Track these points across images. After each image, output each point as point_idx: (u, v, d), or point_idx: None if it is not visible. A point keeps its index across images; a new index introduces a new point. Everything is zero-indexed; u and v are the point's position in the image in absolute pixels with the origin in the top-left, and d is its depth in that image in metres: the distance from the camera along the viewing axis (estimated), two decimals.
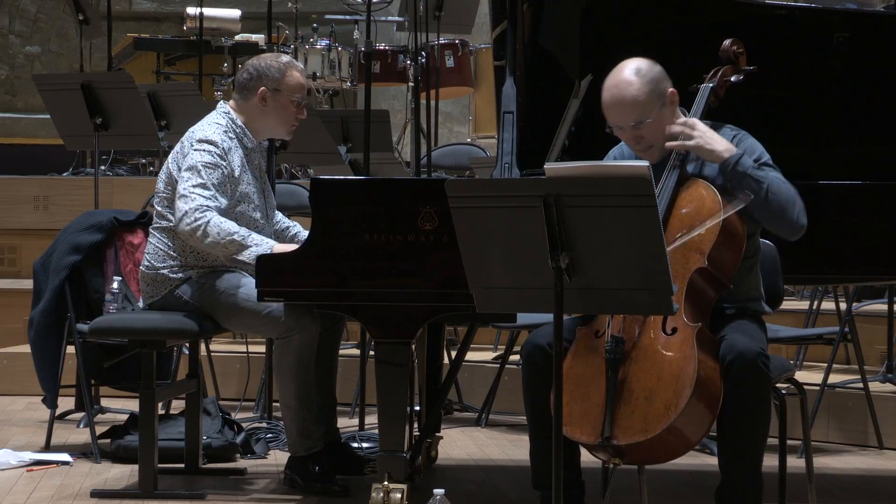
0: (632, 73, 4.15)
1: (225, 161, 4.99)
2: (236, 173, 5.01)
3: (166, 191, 5.06)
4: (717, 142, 4.13)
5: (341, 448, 5.24)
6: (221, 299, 4.97)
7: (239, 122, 5.11)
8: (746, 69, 4.36)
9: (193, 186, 4.90)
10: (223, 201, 4.92)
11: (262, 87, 5.09)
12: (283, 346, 4.92)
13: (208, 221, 4.83)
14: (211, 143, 4.99)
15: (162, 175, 5.11)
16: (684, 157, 4.17)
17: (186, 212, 4.87)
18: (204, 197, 4.88)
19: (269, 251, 4.76)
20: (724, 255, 4.03)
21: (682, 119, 4.18)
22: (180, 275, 5.02)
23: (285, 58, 5.21)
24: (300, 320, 4.85)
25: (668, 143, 4.15)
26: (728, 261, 4.05)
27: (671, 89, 4.19)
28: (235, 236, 4.82)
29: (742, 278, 4.19)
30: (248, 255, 4.80)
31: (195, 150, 4.98)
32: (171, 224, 5.01)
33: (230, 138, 5.06)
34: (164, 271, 5.03)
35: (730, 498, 4.02)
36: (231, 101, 5.17)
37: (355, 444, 5.47)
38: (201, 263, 5.02)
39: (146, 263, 5.09)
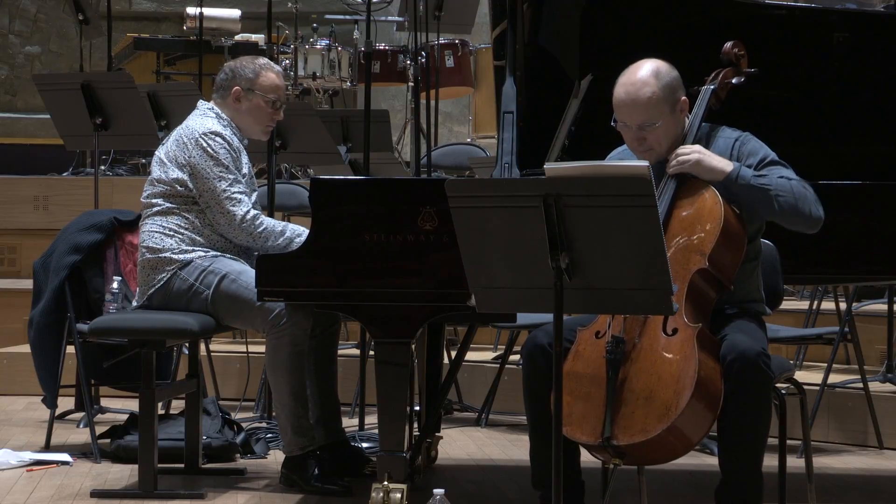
0: (650, 73, 4.11)
1: (235, 153, 5.10)
2: (236, 156, 5.12)
3: (159, 185, 5.11)
4: (714, 160, 4.09)
5: (348, 450, 5.23)
6: (223, 284, 4.98)
7: (224, 115, 5.19)
8: (748, 71, 4.34)
9: (229, 186, 5.03)
10: (244, 187, 5.07)
11: (237, 87, 5.17)
12: (275, 342, 4.93)
13: (262, 223, 5.02)
14: (219, 136, 5.08)
15: (155, 169, 5.15)
16: None
17: (241, 216, 5.02)
18: (243, 194, 5.05)
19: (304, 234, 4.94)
20: (725, 256, 4.02)
21: (674, 153, 4.13)
22: (182, 257, 5.03)
23: (262, 60, 5.30)
24: (292, 315, 4.87)
25: (668, 170, 4.13)
26: (729, 262, 4.04)
27: (683, 98, 4.17)
28: (279, 229, 5.03)
29: (743, 280, 4.18)
30: (296, 244, 4.94)
31: (209, 145, 5.05)
32: (163, 206, 5.08)
33: (224, 127, 5.14)
34: (167, 253, 5.05)
35: (730, 498, 4.01)
36: (212, 101, 5.26)
37: (355, 445, 5.47)
38: (200, 241, 5.06)
39: (145, 249, 5.09)
